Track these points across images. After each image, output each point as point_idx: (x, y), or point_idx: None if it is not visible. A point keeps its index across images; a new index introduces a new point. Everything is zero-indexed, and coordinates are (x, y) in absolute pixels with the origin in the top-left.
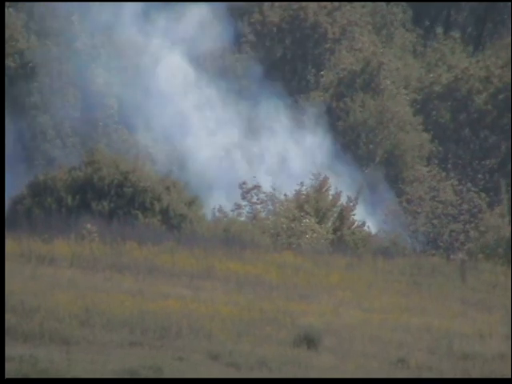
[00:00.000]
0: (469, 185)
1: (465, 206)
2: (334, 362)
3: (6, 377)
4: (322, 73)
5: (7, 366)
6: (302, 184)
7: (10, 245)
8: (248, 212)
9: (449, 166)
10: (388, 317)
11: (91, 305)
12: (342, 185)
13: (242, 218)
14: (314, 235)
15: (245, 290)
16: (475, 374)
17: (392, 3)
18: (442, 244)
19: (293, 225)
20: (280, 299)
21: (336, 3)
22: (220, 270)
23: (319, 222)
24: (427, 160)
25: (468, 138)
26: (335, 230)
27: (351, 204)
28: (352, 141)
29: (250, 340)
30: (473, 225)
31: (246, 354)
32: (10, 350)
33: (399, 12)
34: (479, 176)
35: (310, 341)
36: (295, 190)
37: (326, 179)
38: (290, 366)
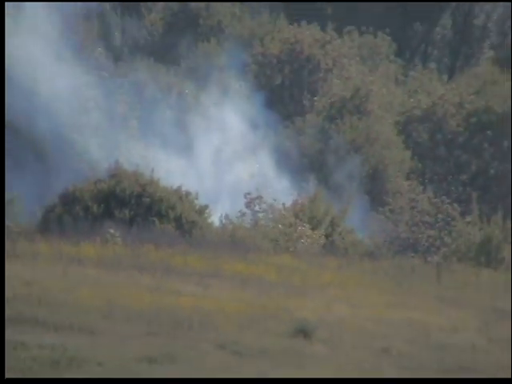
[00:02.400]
0: (443, 197)
1: (440, 216)
2: (326, 351)
3: (42, 363)
4: (315, 98)
5: (40, 353)
6: (299, 195)
7: (43, 247)
8: (251, 219)
9: (426, 180)
10: (374, 312)
11: (113, 300)
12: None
13: (246, 225)
14: (309, 240)
15: (248, 288)
16: (449, 363)
17: (378, 38)
18: (420, 248)
19: (289, 231)
20: (279, 296)
21: (328, 38)
22: (226, 270)
23: (313, 229)
24: (407, 175)
25: (443, 156)
26: (327, 236)
27: (341, 214)
28: (342, 157)
29: (253, 332)
30: (447, 232)
31: (249, 344)
32: (43, 339)
33: (384, 45)
34: (453, 189)
35: (305, 333)
36: (292, 201)
37: (319, 191)
38: (287, 355)
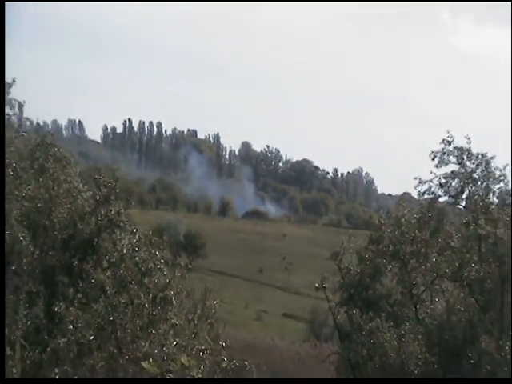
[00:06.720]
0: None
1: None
2: (288, 240)
3: None
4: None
5: None
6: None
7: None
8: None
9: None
10: (299, 229)
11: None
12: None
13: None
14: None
15: (278, 226)
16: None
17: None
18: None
19: (281, 217)
20: (277, 228)
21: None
22: (273, 226)
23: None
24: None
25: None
26: (289, 220)
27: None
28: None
29: (276, 235)
30: None
31: (270, 244)
32: None
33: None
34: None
35: (285, 235)
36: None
37: (286, 213)
38: (282, 236)
